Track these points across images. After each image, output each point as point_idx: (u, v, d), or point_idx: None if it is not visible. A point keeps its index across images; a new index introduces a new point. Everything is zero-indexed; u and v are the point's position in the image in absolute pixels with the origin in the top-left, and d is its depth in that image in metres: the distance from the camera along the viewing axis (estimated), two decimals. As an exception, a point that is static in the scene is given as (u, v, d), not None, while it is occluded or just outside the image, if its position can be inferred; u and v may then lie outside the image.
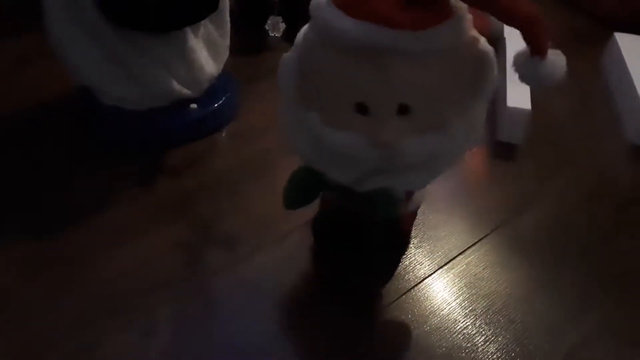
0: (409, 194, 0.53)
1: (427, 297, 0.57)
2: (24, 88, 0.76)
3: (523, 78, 0.42)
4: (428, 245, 0.62)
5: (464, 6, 0.41)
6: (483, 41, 0.44)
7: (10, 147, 0.69)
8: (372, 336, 0.54)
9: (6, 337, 0.51)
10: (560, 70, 0.41)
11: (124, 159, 0.68)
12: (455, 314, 0.56)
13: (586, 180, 0.71)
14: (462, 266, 0.60)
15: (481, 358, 0.53)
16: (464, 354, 0.53)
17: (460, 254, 0.62)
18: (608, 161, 0.75)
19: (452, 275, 0.60)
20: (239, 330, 0.54)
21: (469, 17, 0.42)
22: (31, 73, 0.78)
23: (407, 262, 0.60)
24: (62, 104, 0.73)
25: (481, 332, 0.55)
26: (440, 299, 0.57)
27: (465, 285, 0.59)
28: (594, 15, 1.00)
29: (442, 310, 0.56)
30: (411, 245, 0.62)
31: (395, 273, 0.59)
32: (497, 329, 0.55)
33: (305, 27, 0.45)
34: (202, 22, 0.67)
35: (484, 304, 0.57)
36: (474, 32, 0.43)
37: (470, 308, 0.57)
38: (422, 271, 0.60)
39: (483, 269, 0.60)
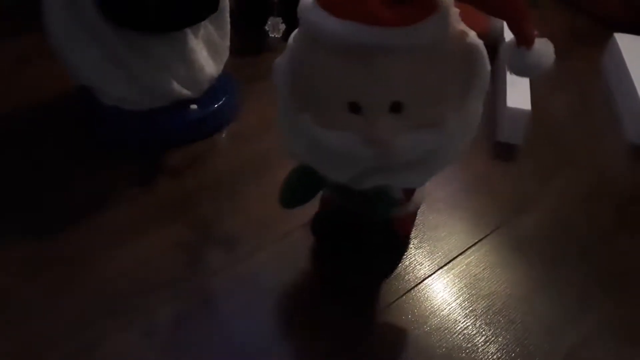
0: (409, 195, 0.53)
1: (427, 298, 0.57)
2: (24, 88, 0.76)
3: (511, 69, 0.42)
4: (428, 245, 0.62)
5: (449, 0, 0.41)
6: (472, 35, 0.44)
7: (10, 147, 0.69)
8: (372, 336, 0.54)
9: (6, 337, 0.51)
10: (547, 58, 0.41)
11: (124, 159, 0.68)
12: (456, 314, 0.56)
13: (586, 180, 0.71)
14: (462, 266, 0.60)
15: (481, 358, 0.53)
16: (464, 355, 0.53)
17: (460, 254, 0.62)
18: (608, 161, 0.75)
19: (452, 276, 0.60)
20: (239, 330, 0.54)
21: (455, 11, 0.42)
22: (31, 73, 0.78)
23: (407, 263, 0.60)
24: (62, 104, 0.73)
25: (481, 332, 0.55)
26: (440, 300, 0.57)
27: (465, 285, 0.59)
28: (594, 16, 1.00)
29: (442, 311, 0.56)
30: (411, 246, 0.62)
31: (395, 273, 0.59)
32: (497, 329, 0.55)
33: (296, 31, 0.45)
34: (202, 22, 0.67)
35: (484, 304, 0.57)
36: (463, 26, 0.43)
37: (471, 308, 0.57)
38: (422, 271, 0.60)
39: (483, 269, 0.60)
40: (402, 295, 0.57)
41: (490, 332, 0.55)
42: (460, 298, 0.58)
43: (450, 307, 0.57)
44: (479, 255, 0.62)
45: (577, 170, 0.73)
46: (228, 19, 0.71)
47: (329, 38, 0.40)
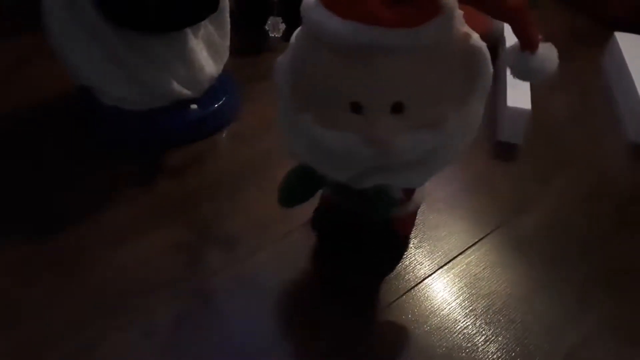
0: (409, 194, 0.53)
1: (427, 297, 0.57)
2: (24, 88, 0.76)
3: (515, 73, 0.42)
4: (428, 245, 0.62)
5: (453, 2, 0.41)
6: (475, 37, 0.44)
7: (10, 147, 0.69)
8: (372, 336, 0.54)
9: (6, 337, 0.51)
10: (551, 63, 0.41)
11: (124, 159, 0.68)
12: (455, 313, 0.56)
13: (586, 180, 0.71)
14: (462, 266, 0.60)
15: (481, 358, 0.53)
16: (464, 354, 0.53)
17: (460, 254, 0.62)
18: (608, 161, 0.75)
19: (452, 275, 0.60)
20: (239, 330, 0.54)
21: (459, 13, 0.42)
22: (31, 73, 0.78)
23: (407, 262, 0.60)
24: (62, 104, 0.73)
25: (481, 332, 0.55)
26: (440, 299, 0.57)
27: (465, 285, 0.59)
28: (595, 15, 1.00)
29: (442, 310, 0.56)
30: (411, 246, 0.62)
31: (395, 273, 0.59)
32: (497, 328, 0.55)
33: (298, 30, 0.45)
34: (202, 22, 0.67)
35: (484, 303, 0.57)
36: (466, 28, 0.43)
37: (470, 308, 0.57)
38: (422, 271, 0.60)
39: (483, 268, 0.60)
40: (402, 295, 0.57)
41: (490, 331, 0.55)
42: (460, 297, 0.58)
43: (450, 306, 0.57)
44: (479, 254, 0.62)
45: (577, 169, 0.73)
46: (228, 19, 0.70)
47: (331, 37, 0.40)
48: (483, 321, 0.56)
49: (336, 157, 0.44)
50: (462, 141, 0.46)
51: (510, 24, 0.40)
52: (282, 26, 0.85)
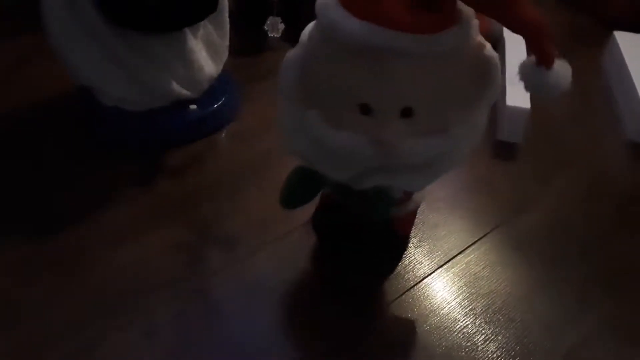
0: (409, 194, 0.54)
1: (426, 297, 0.57)
2: (24, 88, 0.76)
3: (529, 88, 0.41)
4: (428, 244, 0.62)
5: (470, 11, 0.41)
6: (488, 47, 0.44)
7: (10, 147, 0.69)
8: (372, 336, 0.54)
9: (6, 337, 0.51)
10: (565, 80, 0.40)
11: (124, 159, 0.68)
12: (455, 313, 0.56)
13: (586, 179, 0.71)
14: (461, 265, 0.60)
15: (481, 357, 0.53)
16: (463, 353, 0.53)
17: (460, 253, 0.62)
18: (608, 160, 0.75)
19: (451, 275, 0.60)
20: (239, 330, 0.54)
21: (475, 22, 0.42)
22: (31, 73, 0.78)
23: (406, 262, 0.60)
24: (62, 104, 0.74)
25: (481, 331, 0.55)
26: (440, 298, 0.57)
27: (465, 284, 0.59)
28: (594, 15, 1.00)
29: (442, 310, 0.57)
30: (411, 245, 0.62)
31: (395, 272, 0.59)
32: (496, 327, 0.55)
33: (310, 27, 0.45)
34: (202, 22, 0.67)
35: (484, 303, 0.57)
36: (480, 38, 0.43)
37: (470, 307, 0.57)
38: (421, 270, 0.60)
39: (483, 268, 0.60)
40: (401, 294, 0.57)
41: (490, 330, 0.55)
42: (460, 297, 0.58)
43: (450, 305, 0.57)
44: (479, 254, 0.62)
45: (577, 169, 0.73)
46: (227, 19, 0.71)
47: (347, 38, 0.39)
48: (483, 320, 0.56)
49: (339, 157, 0.44)
50: (467, 147, 0.46)
51: (527, 39, 0.39)
52: (281, 26, 0.85)
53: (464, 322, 0.56)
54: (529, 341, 0.55)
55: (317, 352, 0.53)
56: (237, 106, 0.76)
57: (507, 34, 0.84)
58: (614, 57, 0.87)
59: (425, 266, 0.60)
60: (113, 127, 0.69)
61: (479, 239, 0.63)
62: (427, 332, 0.55)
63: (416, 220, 0.61)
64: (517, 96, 0.74)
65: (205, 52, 0.69)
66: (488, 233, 0.64)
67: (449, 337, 0.54)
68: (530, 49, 0.40)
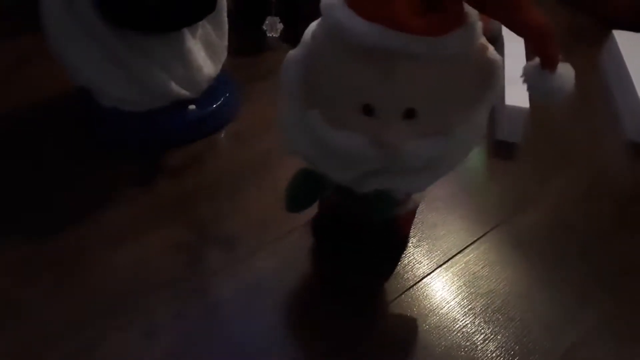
0: (408, 193, 0.54)
1: (426, 296, 0.58)
2: (24, 88, 0.76)
3: (533, 91, 0.41)
4: (427, 244, 0.62)
5: (475, 13, 0.41)
6: (492, 49, 0.44)
7: (10, 147, 0.69)
8: (372, 336, 0.54)
9: (6, 337, 0.51)
10: (569, 83, 0.40)
11: (124, 159, 0.68)
12: (455, 312, 0.56)
13: (585, 178, 0.71)
14: (461, 265, 0.61)
15: (480, 356, 0.53)
16: (463, 353, 0.53)
17: (459, 252, 0.62)
18: (607, 159, 0.75)
19: (451, 274, 0.60)
20: (239, 330, 0.54)
21: (480, 24, 0.42)
22: (31, 73, 0.79)
23: (406, 261, 0.60)
24: (62, 104, 0.74)
25: (480, 330, 0.55)
26: (439, 298, 0.58)
27: (464, 283, 0.59)
28: (593, 14, 1.00)
29: (441, 309, 0.57)
30: (410, 244, 0.62)
31: (394, 272, 0.59)
32: (496, 327, 0.55)
33: (313, 26, 0.45)
34: (200, 22, 0.67)
35: (483, 302, 0.57)
36: (484, 40, 0.43)
37: (470, 307, 0.57)
38: (421, 270, 0.60)
39: (482, 267, 0.60)
40: (401, 294, 0.57)
41: (490, 330, 0.55)
42: (459, 296, 0.58)
43: (449, 305, 0.57)
44: (478, 253, 0.62)
45: (577, 168, 0.73)
46: (226, 19, 0.70)
47: (353, 38, 0.39)
48: (482, 320, 0.56)
49: (341, 157, 0.44)
50: (468, 147, 0.46)
51: (532, 42, 0.39)
52: (280, 26, 0.85)
53: (463, 321, 0.56)
54: (528, 340, 0.55)
55: (317, 352, 0.53)
56: (236, 106, 0.76)
57: (506, 33, 0.85)
58: (613, 56, 0.88)
59: (424, 266, 0.60)
60: (113, 127, 0.69)
61: (478, 239, 0.63)
62: (426, 332, 0.55)
63: (415, 219, 0.62)
64: (516, 96, 0.74)
65: (204, 52, 0.69)
66: (487, 232, 0.64)
67: (448, 336, 0.55)
68: (534, 51, 0.40)
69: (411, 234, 0.62)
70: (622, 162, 0.75)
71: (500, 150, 0.74)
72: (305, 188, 0.51)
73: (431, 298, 0.57)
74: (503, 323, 0.56)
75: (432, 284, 0.59)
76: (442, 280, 0.59)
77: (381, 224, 0.56)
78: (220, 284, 0.57)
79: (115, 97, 0.66)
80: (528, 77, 0.41)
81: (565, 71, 0.40)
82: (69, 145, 0.69)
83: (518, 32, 0.39)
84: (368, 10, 0.39)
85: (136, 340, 0.52)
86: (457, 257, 0.61)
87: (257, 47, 0.86)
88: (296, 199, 0.51)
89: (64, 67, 0.65)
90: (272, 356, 0.52)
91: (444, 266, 0.60)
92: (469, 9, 0.41)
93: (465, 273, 0.60)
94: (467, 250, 0.62)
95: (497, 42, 0.83)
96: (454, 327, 0.55)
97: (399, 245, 0.61)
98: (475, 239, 0.63)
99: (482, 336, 0.55)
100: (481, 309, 0.57)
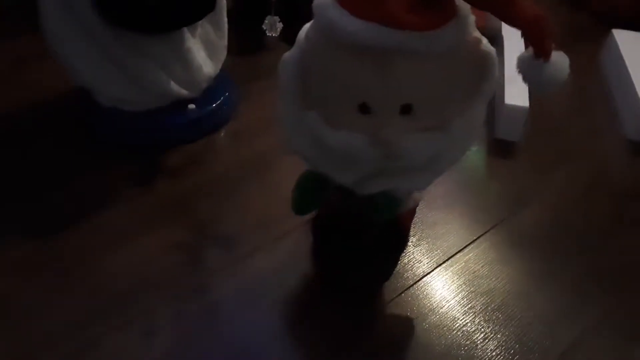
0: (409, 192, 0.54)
1: (426, 295, 0.58)
2: (24, 88, 0.76)
3: (527, 80, 0.41)
4: (427, 243, 0.62)
5: (467, 6, 0.41)
6: (485, 42, 0.44)
7: (10, 146, 0.69)
8: (372, 335, 0.54)
9: (5, 337, 0.51)
10: (563, 72, 0.40)
11: (124, 159, 0.68)
12: (454, 311, 0.56)
13: (585, 176, 0.71)
14: (460, 264, 0.61)
15: (480, 355, 0.53)
16: (463, 351, 0.53)
17: (459, 251, 0.62)
18: (606, 157, 0.76)
19: (450, 273, 0.60)
20: (239, 330, 0.54)
21: (472, 17, 0.42)
22: (31, 73, 0.79)
23: (405, 260, 0.60)
24: (62, 104, 0.74)
25: (480, 329, 0.55)
26: (439, 297, 0.58)
27: (464, 282, 0.59)
28: (593, 12, 1.00)
29: (441, 308, 0.57)
30: (410, 244, 0.62)
31: (394, 271, 0.59)
32: (496, 326, 0.56)
33: (307, 26, 0.45)
34: (200, 22, 0.67)
35: (483, 301, 0.57)
36: (477, 33, 0.43)
37: (469, 305, 0.57)
38: (421, 269, 0.60)
39: (482, 266, 0.60)
40: (401, 293, 0.57)
41: (490, 328, 0.55)
42: (459, 295, 0.58)
43: (449, 304, 0.57)
44: (478, 252, 0.62)
45: (576, 166, 0.73)
46: (225, 19, 0.71)
47: (346, 37, 0.39)
48: (482, 318, 0.56)
49: (340, 157, 0.44)
50: (466, 142, 0.46)
51: (527, 32, 0.39)
52: (280, 25, 0.85)
53: (463, 320, 0.56)
54: (528, 339, 0.55)
55: (318, 352, 0.53)
56: (235, 106, 0.76)
57: (506, 32, 0.85)
58: (612, 54, 0.88)
59: (424, 265, 0.60)
60: (112, 127, 0.69)
61: (478, 237, 0.63)
62: (426, 331, 0.55)
63: (415, 218, 0.61)
64: (516, 95, 0.74)
65: (204, 51, 0.69)
66: (487, 231, 0.64)
67: (448, 335, 0.55)
68: (527, 41, 0.40)
69: (411, 232, 0.62)
70: (621, 161, 0.76)
71: (500, 149, 0.74)
72: (313, 189, 0.50)
73: (431, 297, 0.57)
74: (503, 322, 0.56)
75: (432, 282, 0.59)
76: (442, 279, 0.59)
77: (381, 224, 0.56)
78: (220, 283, 0.57)
79: (115, 97, 0.66)
80: (522, 66, 0.41)
81: (560, 60, 0.40)
82: (69, 145, 0.69)
83: (511, 23, 0.40)
84: (360, 9, 0.39)
85: (136, 340, 0.52)
86: (457, 256, 0.61)
87: (257, 46, 0.86)
88: (305, 202, 0.51)
89: (64, 67, 0.65)
90: (272, 356, 0.52)
91: (444, 265, 0.60)
92: (460, 3, 0.41)
93: (465, 272, 0.60)
94: (467, 249, 0.62)
95: (496, 40, 0.83)
96: (454, 326, 0.55)
97: (399, 244, 0.61)
98: (475, 237, 0.63)
99: (482, 335, 0.55)
100: (481, 307, 0.57)
